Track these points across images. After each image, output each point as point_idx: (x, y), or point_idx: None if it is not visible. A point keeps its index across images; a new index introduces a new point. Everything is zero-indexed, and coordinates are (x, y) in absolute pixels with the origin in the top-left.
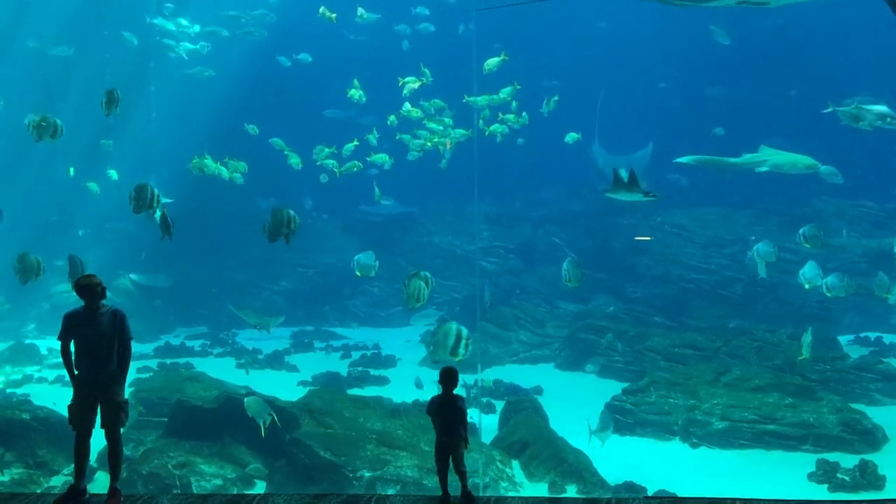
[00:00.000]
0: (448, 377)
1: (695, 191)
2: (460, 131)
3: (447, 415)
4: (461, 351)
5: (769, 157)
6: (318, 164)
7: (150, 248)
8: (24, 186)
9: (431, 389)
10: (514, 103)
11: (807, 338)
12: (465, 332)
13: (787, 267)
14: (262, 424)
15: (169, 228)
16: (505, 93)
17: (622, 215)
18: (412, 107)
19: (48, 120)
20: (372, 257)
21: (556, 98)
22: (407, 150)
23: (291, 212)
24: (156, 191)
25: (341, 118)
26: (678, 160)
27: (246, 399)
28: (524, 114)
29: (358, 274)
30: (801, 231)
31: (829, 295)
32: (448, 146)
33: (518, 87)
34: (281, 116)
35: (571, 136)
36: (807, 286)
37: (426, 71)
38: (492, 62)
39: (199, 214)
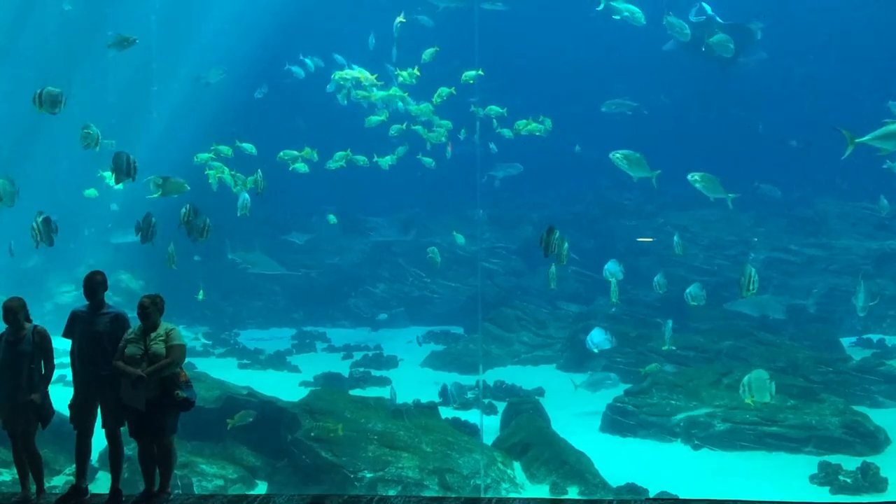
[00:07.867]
0: None
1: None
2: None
3: None
4: None
5: None
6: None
7: (150, 247)
8: (25, 185)
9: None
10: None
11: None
12: None
13: (790, 269)
14: None
15: (149, 231)
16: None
17: (624, 216)
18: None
19: (92, 129)
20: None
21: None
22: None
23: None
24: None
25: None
26: None
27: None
28: (547, 121)
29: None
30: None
31: (692, 304)
32: (449, 148)
33: (454, 91)
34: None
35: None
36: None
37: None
38: (427, 52)
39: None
